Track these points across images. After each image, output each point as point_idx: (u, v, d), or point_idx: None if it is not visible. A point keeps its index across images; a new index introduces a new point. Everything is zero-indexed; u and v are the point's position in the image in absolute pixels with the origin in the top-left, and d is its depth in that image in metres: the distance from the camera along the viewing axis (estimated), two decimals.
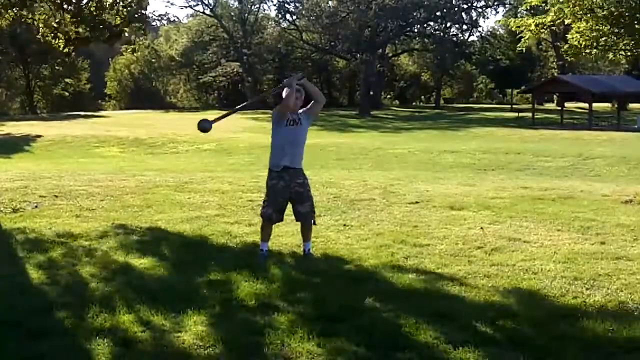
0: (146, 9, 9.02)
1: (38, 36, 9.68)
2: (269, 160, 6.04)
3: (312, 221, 6.12)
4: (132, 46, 12.17)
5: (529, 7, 13.49)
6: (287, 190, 5.92)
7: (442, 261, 5.85)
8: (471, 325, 4.24)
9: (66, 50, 9.42)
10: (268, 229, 6.08)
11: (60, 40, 9.17)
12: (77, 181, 11.20)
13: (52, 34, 9.08)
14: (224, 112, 6.49)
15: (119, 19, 8.81)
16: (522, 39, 12.77)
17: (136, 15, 8.84)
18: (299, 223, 6.13)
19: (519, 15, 45.86)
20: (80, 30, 8.79)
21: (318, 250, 6.26)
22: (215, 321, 4.32)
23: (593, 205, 8.95)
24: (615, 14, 13.40)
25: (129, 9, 8.74)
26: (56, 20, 9.04)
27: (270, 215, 5.99)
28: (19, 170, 13.98)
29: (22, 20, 10.00)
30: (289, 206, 6.07)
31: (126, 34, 9.13)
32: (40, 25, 9.32)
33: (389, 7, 53.24)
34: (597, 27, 14.06)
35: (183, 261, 5.86)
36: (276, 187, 5.93)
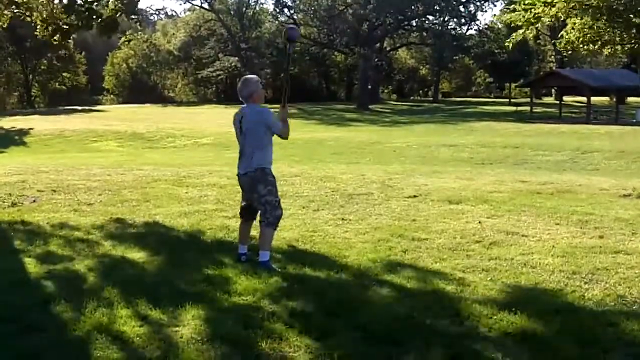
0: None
1: (36, 32, 9.64)
2: (270, 159, 5.58)
3: None
4: (128, 37, 12.09)
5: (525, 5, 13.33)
6: None
7: (440, 255, 5.84)
8: (469, 319, 4.25)
9: (56, 40, 9.35)
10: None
11: (50, 31, 9.11)
12: (75, 175, 11.19)
13: (45, 26, 9.02)
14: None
15: (110, 9, 8.74)
16: (512, 36, 12.58)
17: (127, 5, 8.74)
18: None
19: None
20: (71, 19, 8.72)
21: (316, 244, 6.26)
22: (214, 315, 4.32)
23: (591, 199, 8.95)
24: (612, 8, 13.36)
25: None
26: (48, 10, 8.99)
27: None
28: (17, 164, 13.95)
29: (21, 18, 9.95)
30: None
31: (120, 25, 9.05)
32: (38, 21, 9.26)
33: (386, 0, 53.14)
34: (592, 23, 14.00)
35: (181, 255, 5.85)
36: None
